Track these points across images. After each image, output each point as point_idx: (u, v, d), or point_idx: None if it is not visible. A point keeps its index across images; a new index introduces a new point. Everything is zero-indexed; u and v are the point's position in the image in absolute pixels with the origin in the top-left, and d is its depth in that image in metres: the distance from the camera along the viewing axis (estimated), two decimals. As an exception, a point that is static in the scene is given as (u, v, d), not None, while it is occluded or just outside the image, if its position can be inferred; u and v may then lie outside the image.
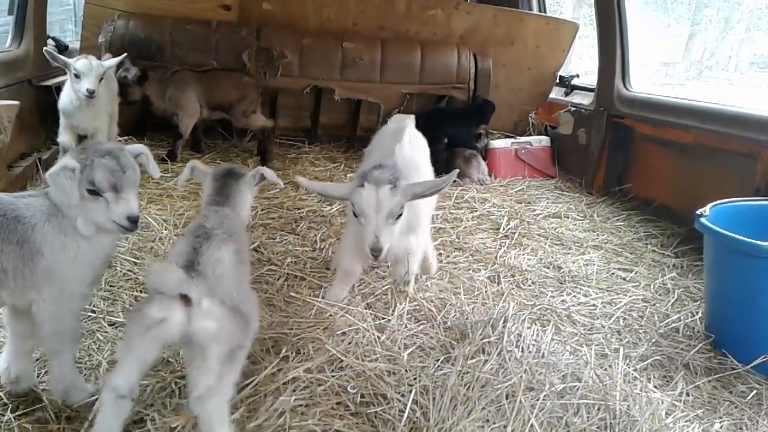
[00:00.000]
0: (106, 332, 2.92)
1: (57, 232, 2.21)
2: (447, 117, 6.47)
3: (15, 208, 2.19)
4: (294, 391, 2.53)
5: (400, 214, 2.91)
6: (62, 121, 4.88)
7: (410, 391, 2.54)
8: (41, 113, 5.34)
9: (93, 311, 3.08)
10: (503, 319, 3.16)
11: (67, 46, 6.29)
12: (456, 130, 6.30)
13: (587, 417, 2.54)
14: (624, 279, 4.12)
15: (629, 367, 2.99)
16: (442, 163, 5.57)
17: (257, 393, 2.53)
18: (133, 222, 2.23)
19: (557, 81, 7.20)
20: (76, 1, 8.52)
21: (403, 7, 6.83)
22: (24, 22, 5.16)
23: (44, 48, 4.83)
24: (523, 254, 4.37)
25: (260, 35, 6.40)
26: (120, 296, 3.26)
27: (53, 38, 6.11)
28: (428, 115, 6.04)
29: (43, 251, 2.18)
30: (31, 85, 5.22)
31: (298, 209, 4.86)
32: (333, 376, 2.63)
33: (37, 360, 2.63)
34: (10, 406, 2.39)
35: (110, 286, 3.35)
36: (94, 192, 2.19)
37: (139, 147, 2.45)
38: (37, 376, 2.56)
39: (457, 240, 4.55)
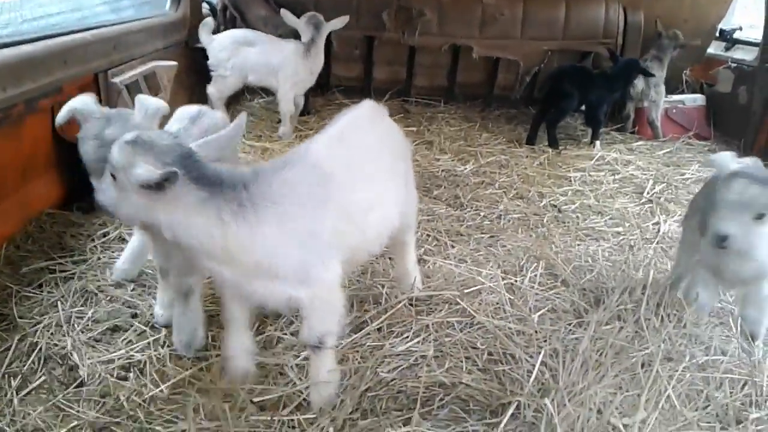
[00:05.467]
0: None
1: None
2: (586, 79, 5.78)
3: None
4: (424, 340, 2.61)
5: None
6: None
7: (539, 353, 2.51)
8: (196, 73, 5.70)
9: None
10: (642, 286, 3.02)
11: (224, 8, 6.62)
12: (597, 94, 5.68)
13: (730, 392, 2.40)
14: (784, 251, 3.76)
15: (782, 344, 2.76)
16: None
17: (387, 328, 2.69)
18: None
19: (717, 34, 6.60)
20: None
21: (547, -41, 6.52)
22: (182, -12, 5.50)
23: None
24: (668, 220, 4.12)
25: (400, -6, 6.39)
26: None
27: (207, 1, 6.46)
28: (565, 74, 5.76)
29: None
30: (187, 46, 5.59)
31: (433, 169, 4.89)
32: (462, 332, 2.67)
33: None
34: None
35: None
36: None
37: None
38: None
39: (596, 203, 4.38)
